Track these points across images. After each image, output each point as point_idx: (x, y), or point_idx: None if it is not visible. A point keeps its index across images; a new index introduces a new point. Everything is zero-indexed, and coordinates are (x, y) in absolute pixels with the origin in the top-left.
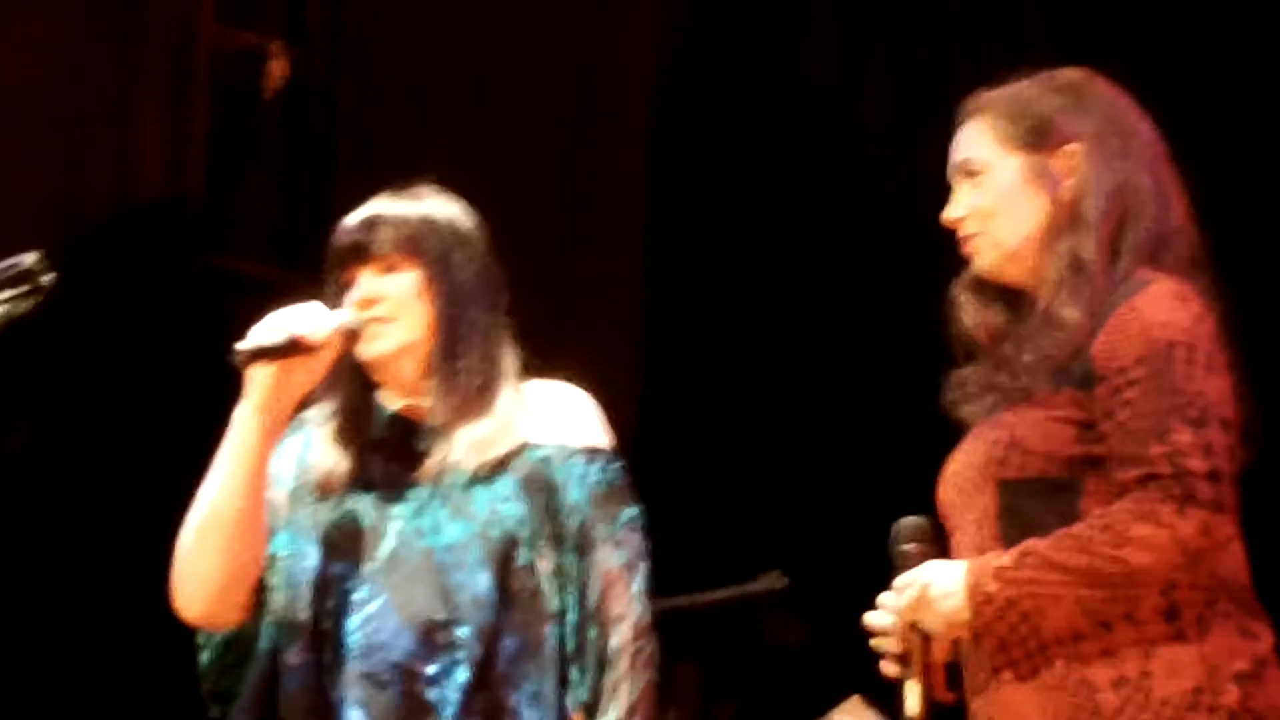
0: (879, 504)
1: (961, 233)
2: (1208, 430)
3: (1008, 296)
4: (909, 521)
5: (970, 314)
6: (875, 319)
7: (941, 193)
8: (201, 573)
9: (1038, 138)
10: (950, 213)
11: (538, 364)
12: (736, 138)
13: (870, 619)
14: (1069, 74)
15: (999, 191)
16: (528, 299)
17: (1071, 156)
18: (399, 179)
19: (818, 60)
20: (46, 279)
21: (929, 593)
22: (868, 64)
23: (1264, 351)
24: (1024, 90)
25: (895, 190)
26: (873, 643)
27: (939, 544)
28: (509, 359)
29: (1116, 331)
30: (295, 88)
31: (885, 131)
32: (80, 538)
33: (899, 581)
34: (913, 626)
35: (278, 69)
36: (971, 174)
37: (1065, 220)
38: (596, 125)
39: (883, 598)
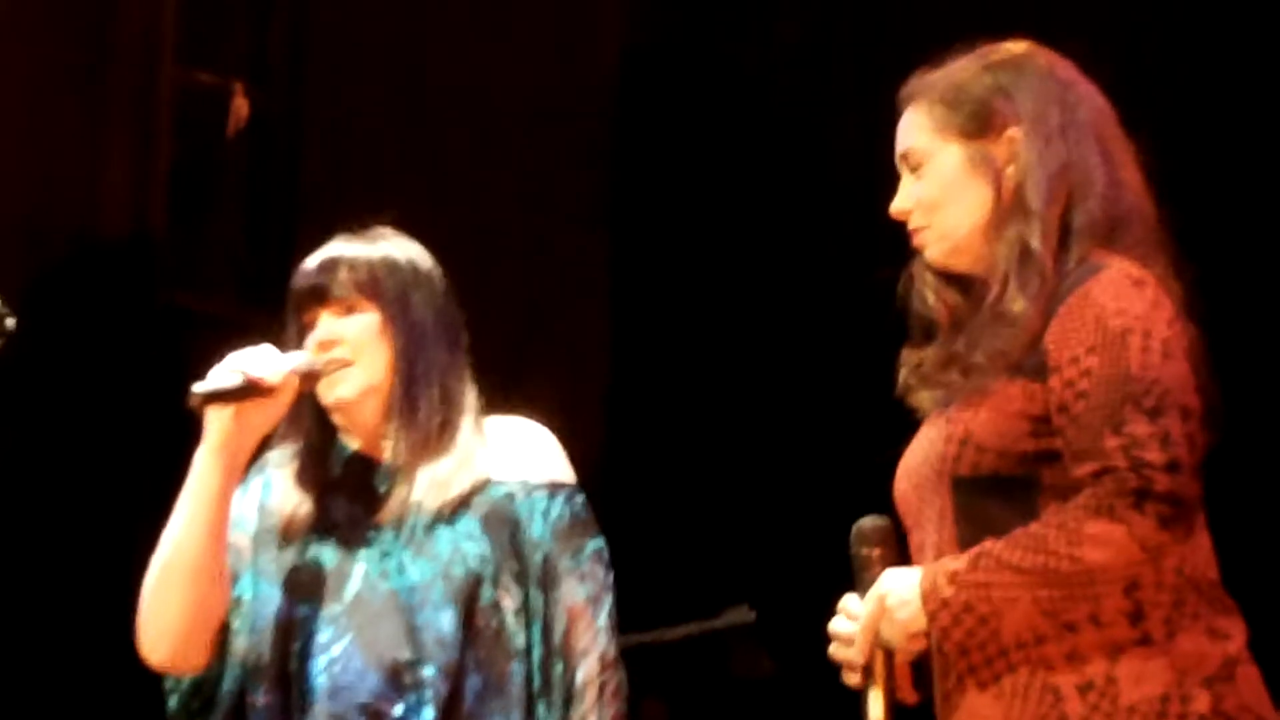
0: (844, 531)
1: (909, 225)
2: (1165, 419)
3: (962, 280)
4: (868, 522)
5: (930, 291)
6: (845, 348)
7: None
8: (166, 617)
9: (976, 124)
10: (896, 205)
11: (502, 398)
12: (702, 139)
13: (833, 626)
14: (1008, 49)
15: (941, 182)
16: (491, 332)
17: (1012, 141)
18: (363, 215)
19: (785, 59)
20: (9, 323)
21: (886, 602)
22: (834, 61)
23: (1246, 340)
24: (961, 71)
25: (865, 201)
26: (832, 651)
27: (898, 545)
28: (469, 396)
29: (1068, 320)
30: (258, 126)
31: (855, 138)
32: (40, 577)
33: (863, 588)
34: (875, 636)
35: (240, 108)
36: (913, 164)
37: (1010, 208)
38: (560, 153)
39: (844, 603)
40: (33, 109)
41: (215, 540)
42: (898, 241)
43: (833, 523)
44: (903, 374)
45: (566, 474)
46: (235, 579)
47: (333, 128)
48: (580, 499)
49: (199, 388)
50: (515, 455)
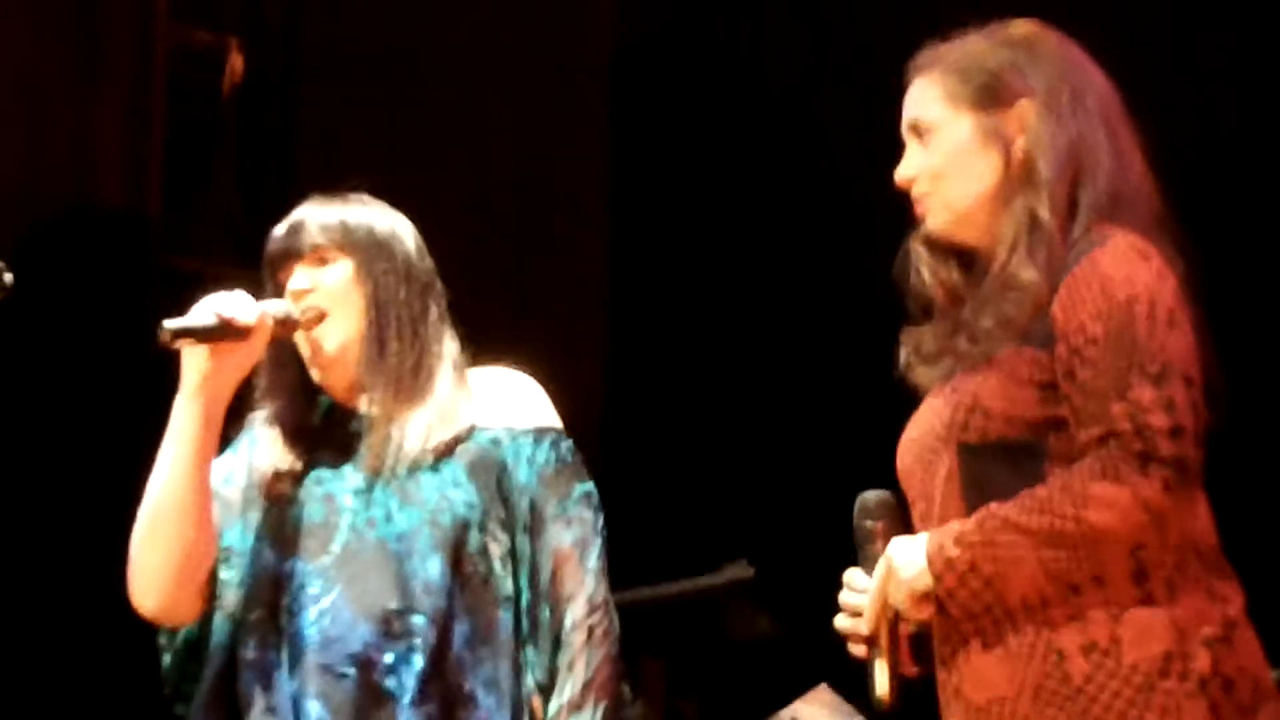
0: (845, 492)
1: (914, 192)
2: (1169, 386)
3: (963, 254)
4: (871, 496)
5: (926, 269)
6: (838, 305)
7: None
8: (153, 563)
9: (988, 95)
10: (901, 172)
11: (498, 351)
12: (697, 127)
13: (842, 599)
14: (1020, 26)
15: (949, 151)
16: (489, 289)
17: (1023, 114)
18: (360, 174)
19: (778, 46)
20: (7, 278)
21: (893, 565)
22: (827, 52)
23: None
24: (973, 45)
25: (857, 177)
26: (838, 622)
27: (902, 517)
28: (447, 345)
29: (1075, 289)
30: (254, 85)
31: (847, 121)
32: (39, 540)
33: (867, 562)
34: (883, 606)
35: (235, 66)
36: (921, 133)
37: (1019, 179)
38: (558, 116)
39: (849, 576)
40: (26, 68)
41: (198, 483)
42: (891, 219)
43: (832, 480)
44: (903, 353)
45: (552, 419)
46: (225, 533)
47: (329, 87)
48: (566, 444)
49: (169, 323)
50: (500, 402)
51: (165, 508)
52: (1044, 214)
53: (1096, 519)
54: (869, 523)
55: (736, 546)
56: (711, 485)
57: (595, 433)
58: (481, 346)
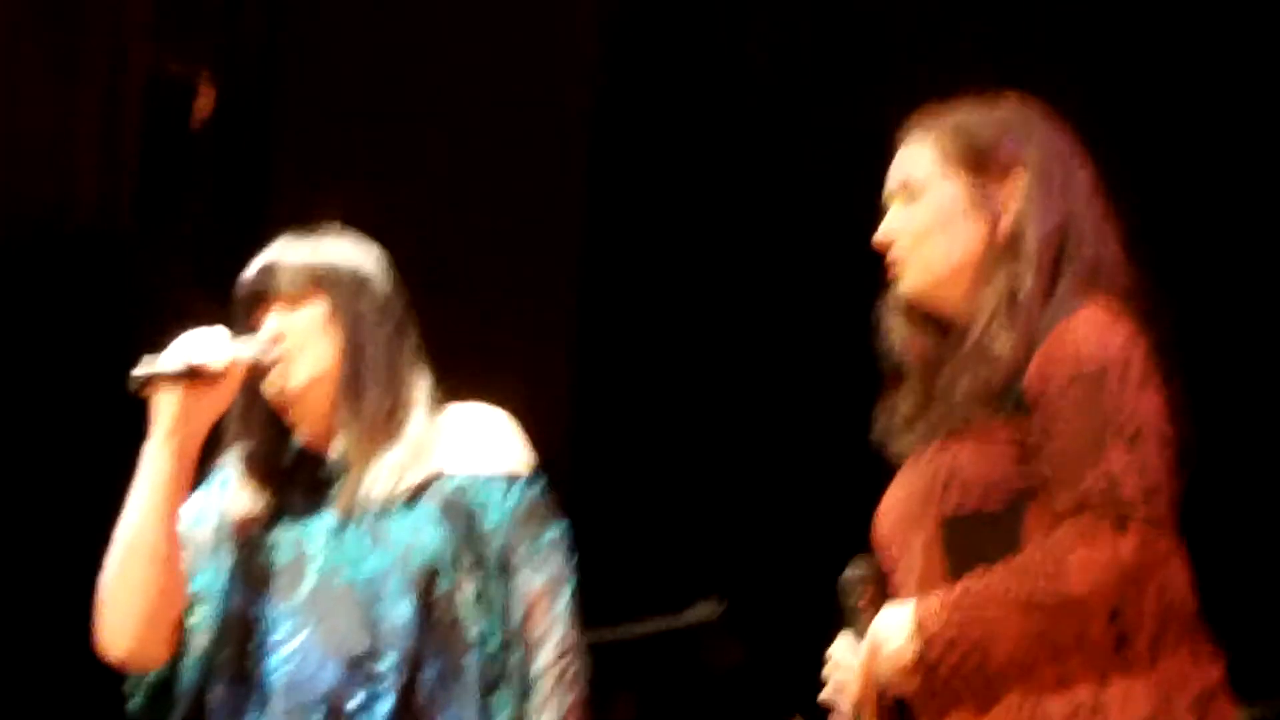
0: (816, 524)
1: (892, 254)
2: (1143, 448)
3: (935, 320)
4: (854, 573)
5: (899, 336)
6: (812, 336)
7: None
8: (121, 610)
9: (981, 162)
10: (883, 232)
11: (467, 386)
12: (675, 154)
13: (826, 673)
14: (1013, 101)
15: (937, 213)
16: (458, 320)
17: (1015, 186)
18: (334, 204)
19: (758, 70)
20: None
21: (877, 638)
22: (809, 78)
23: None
24: (968, 113)
25: (836, 208)
26: (823, 696)
27: (884, 585)
28: (420, 385)
29: (1049, 355)
30: (229, 113)
31: (828, 156)
32: (6, 572)
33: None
34: (869, 679)
35: (205, 97)
36: (910, 194)
37: (1004, 250)
38: (534, 148)
39: (834, 650)
40: (1, 97)
41: (168, 528)
42: (870, 271)
43: (803, 512)
44: (879, 424)
45: (525, 461)
46: (194, 575)
47: (304, 116)
48: (539, 486)
49: (140, 369)
50: (473, 442)
51: (135, 553)
52: (1026, 286)
53: (1075, 585)
54: (853, 600)
55: (707, 583)
56: (682, 521)
57: (563, 468)
58: (452, 380)
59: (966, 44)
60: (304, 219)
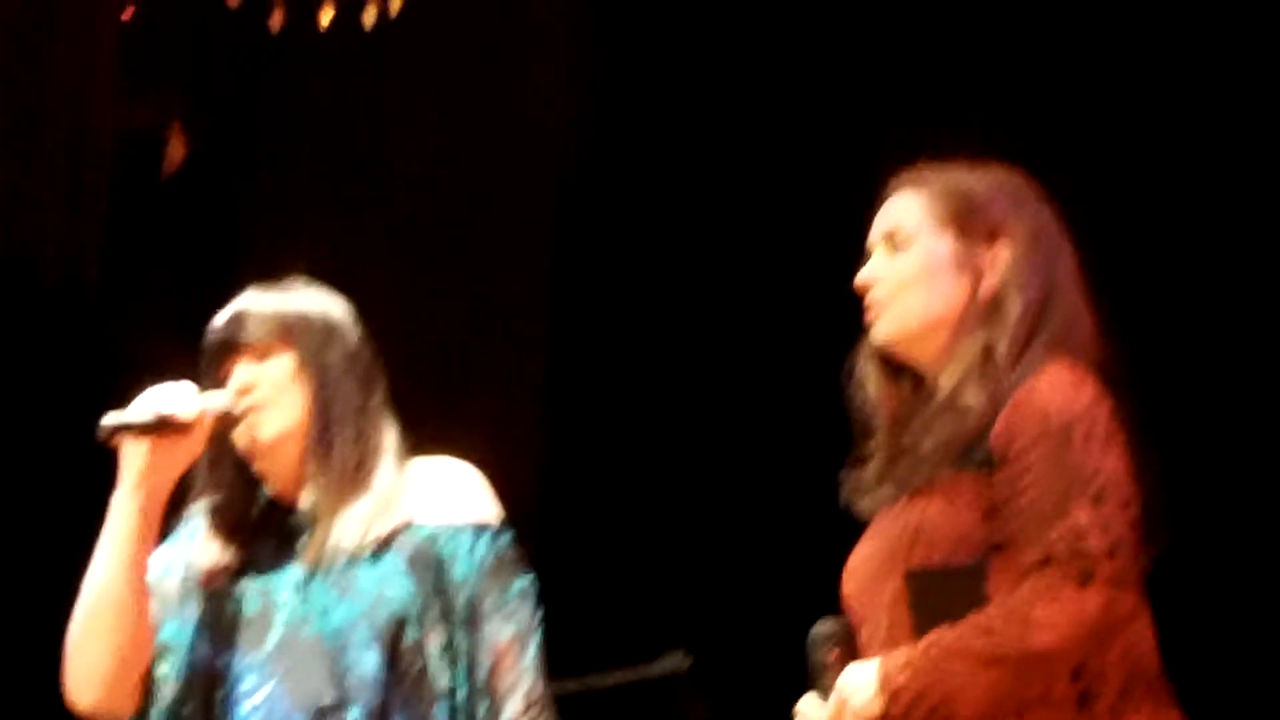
0: (785, 580)
1: (871, 297)
2: (1106, 507)
3: (905, 371)
4: (823, 628)
5: (873, 385)
6: (780, 394)
7: (848, 266)
8: (90, 660)
9: (971, 225)
10: (866, 274)
11: (435, 438)
12: (645, 209)
13: None
14: (1005, 172)
15: (923, 265)
16: (426, 372)
17: (1001, 254)
18: (302, 257)
19: (725, 135)
20: None
21: (844, 694)
22: (774, 137)
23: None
24: (961, 175)
25: (802, 272)
26: None
27: (852, 642)
28: (388, 437)
29: (1015, 414)
30: (197, 168)
31: (793, 210)
32: None
33: (823, 693)
34: None
35: (176, 149)
36: (896, 243)
37: (983, 312)
38: (502, 204)
39: (801, 706)
40: None
41: (136, 580)
42: (834, 332)
43: (771, 569)
44: (847, 482)
45: (493, 513)
46: (161, 626)
47: (274, 171)
48: (506, 538)
49: (108, 419)
50: (441, 494)
51: (103, 604)
52: (1001, 350)
53: (1039, 641)
54: (820, 655)
55: (675, 636)
56: (650, 574)
57: (530, 519)
58: (420, 433)
59: (935, 114)
60: (272, 272)
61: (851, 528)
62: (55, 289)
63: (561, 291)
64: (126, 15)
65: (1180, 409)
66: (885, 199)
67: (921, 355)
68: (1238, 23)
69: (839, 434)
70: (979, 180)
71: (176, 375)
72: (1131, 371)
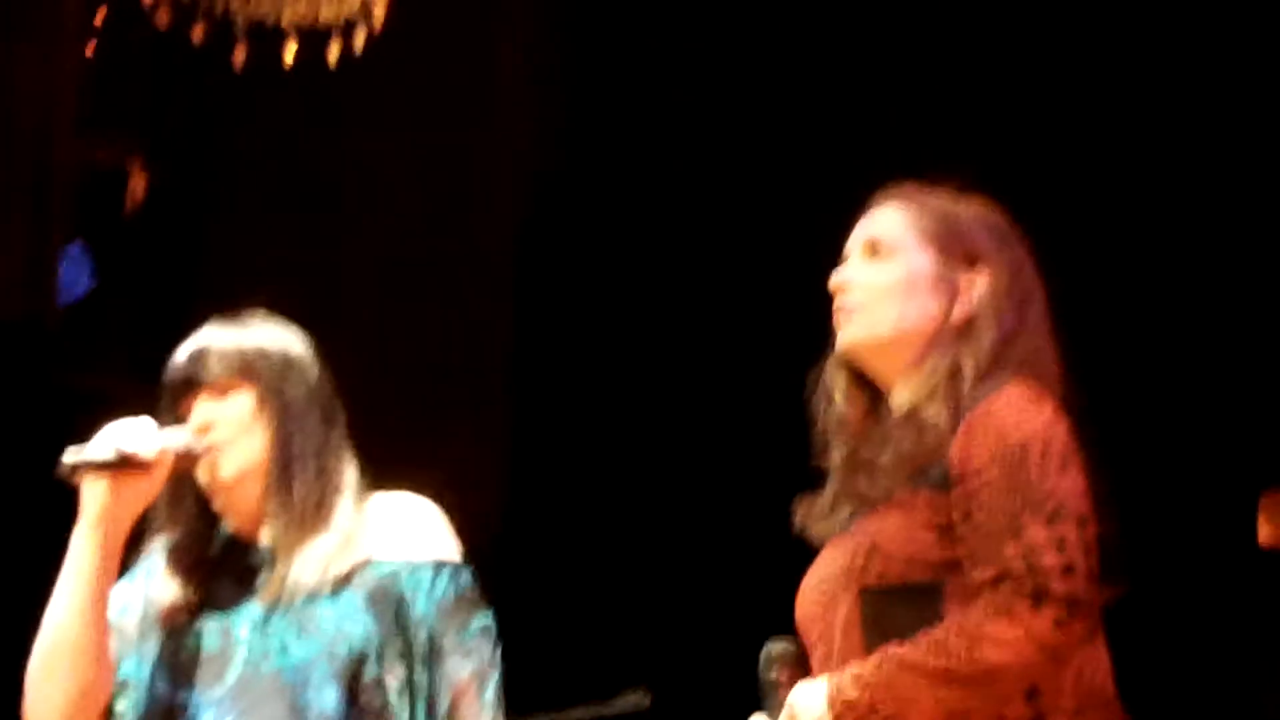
0: (743, 619)
1: (841, 300)
2: (1061, 526)
3: (867, 386)
4: (774, 647)
5: (840, 393)
6: (735, 430)
7: (814, 293)
8: (49, 696)
9: (953, 248)
10: (841, 277)
11: (397, 474)
12: (606, 250)
13: None
14: (991, 209)
15: (904, 277)
16: (388, 407)
17: (978, 282)
18: (261, 291)
19: (685, 159)
20: None
21: (794, 710)
22: (735, 160)
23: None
24: (949, 202)
25: (767, 290)
26: None
27: (805, 665)
28: (348, 474)
29: (971, 433)
30: (157, 203)
31: (756, 232)
32: None
33: (772, 711)
34: None
35: (138, 186)
36: (877, 251)
37: (953, 334)
38: (462, 239)
39: None
40: None
41: (96, 616)
42: (792, 359)
43: (730, 607)
44: (799, 515)
45: (452, 550)
46: (121, 663)
47: (232, 206)
48: (466, 575)
49: (69, 456)
50: (400, 531)
51: (63, 641)
52: (968, 372)
53: (991, 658)
54: (772, 674)
55: (635, 673)
56: (610, 611)
57: (492, 556)
58: (381, 469)
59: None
60: (232, 307)
61: (808, 562)
62: (14, 323)
63: (524, 328)
64: (89, 50)
65: (1135, 453)
66: (869, 210)
67: (884, 366)
68: (1208, 74)
69: (799, 472)
70: (965, 208)
71: (136, 410)
72: (1089, 417)
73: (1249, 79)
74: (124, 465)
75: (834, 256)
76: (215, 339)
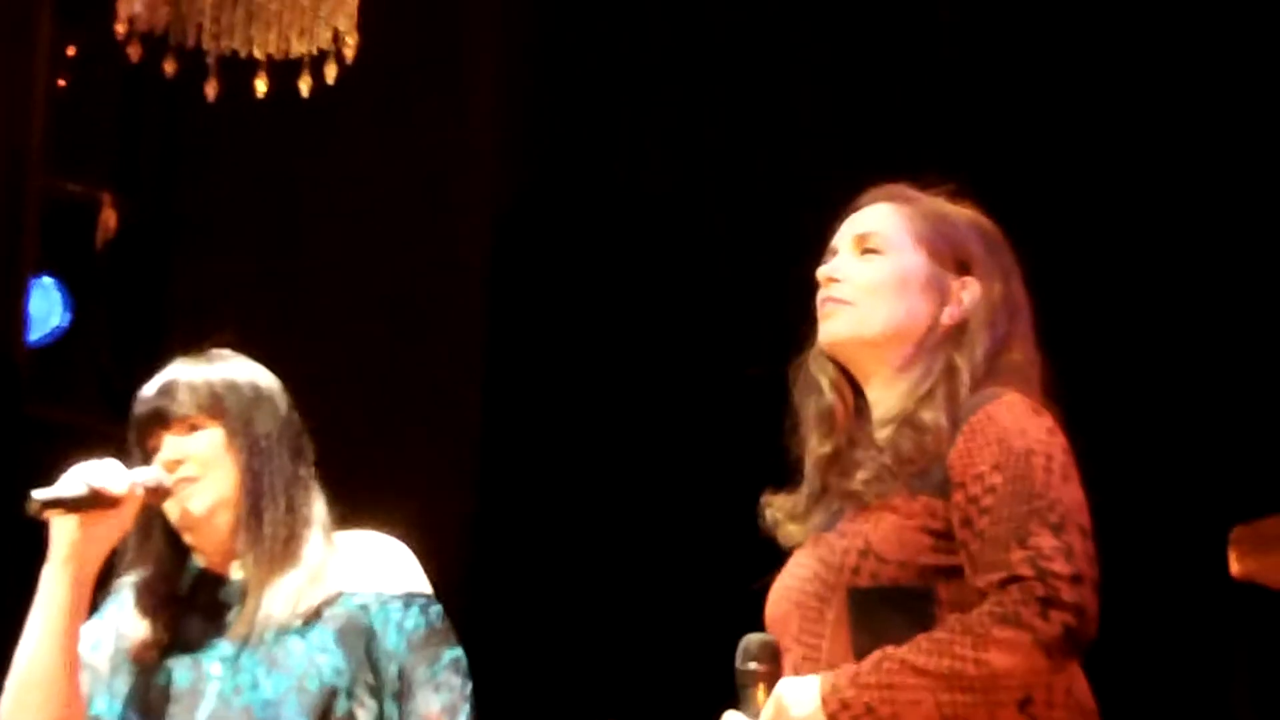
0: (714, 650)
1: (832, 292)
2: (1068, 534)
3: (848, 382)
4: (754, 638)
5: (828, 382)
6: (721, 452)
7: (787, 310)
8: None
9: (945, 252)
10: (831, 270)
11: (363, 511)
12: (578, 278)
13: None
14: (986, 220)
15: (896, 276)
16: (354, 445)
17: (968, 289)
18: (231, 327)
19: (656, 176)
20: None
21: (783, 704)
22: (707, 176)
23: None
24: (944, 207)
25: (740, 305)
26: None
27: (779, 661)
28: (317, 509)
29: (972, 439)
30: (126, 237)
31: (728, 248)
32: None
33: (747, 705)
34: None
35: (108, 219)
36: (868, 248)
37: (943, 338)
38: (433, 273)
39: (730, 717)
40: None
41: (67, 653)
42: (768, 383)
43: (704, 640)
44: (769, 513)
45: (421, 585)
46: (91, 701)
47: (202, 240)
48: (435, 609)
49: (39, 494)
50: (369, 566)
51: (34, 679)
52: (964, 376)
53: (998, 662)
54: (751, 665)
55: (605, 707)
56: (581, 646)
57: (460, 590)
58: (348, 505)
59: (871, 157)
60: (199, 342)
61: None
62: None
63: (494, 362)
64: (61, 84)
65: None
66: (858, 206)
67: (867, 364)
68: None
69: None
70: (958, 214)
71: (105, 444)
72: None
73: (1231, 95)
74: (94, 502)
75: (800, 263)
76: (184, 374)
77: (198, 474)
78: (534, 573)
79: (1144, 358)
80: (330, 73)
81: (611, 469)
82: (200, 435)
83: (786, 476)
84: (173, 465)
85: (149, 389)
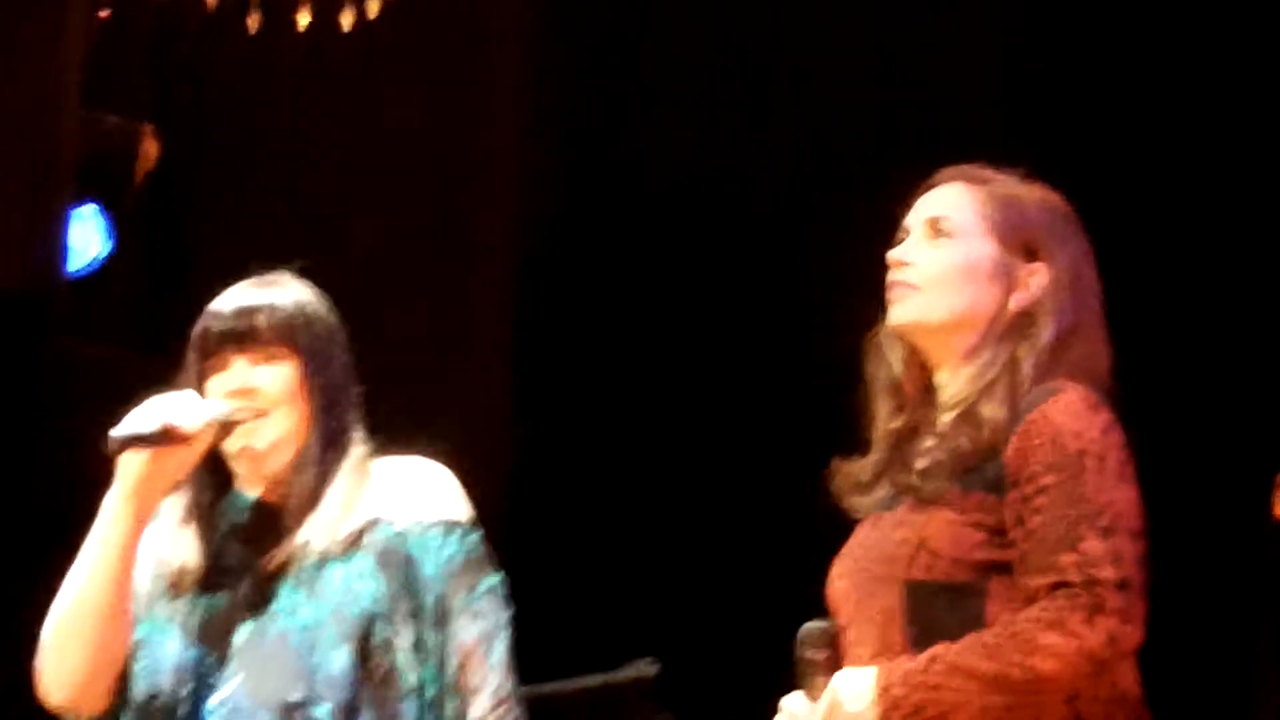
0: (757, 589)
1: (901, 275)
2: (1117, 539)
3: (917, 363)
4: (814, 626)
5: (898, 360)
6: (749, 402)
7: (816, 290)
8: (69, 661)
9: (1013, 238)
10: (901, 254)
11: (404, 439)
12: (605, 235)
13: None
14: (1059, 200)
15: (967, 263)
16: (394, 373)
17: (1038, 276)
18: (260, 264)
19: (683, 158)
20: None
21: (838, 697)
22: (733, 161)
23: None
24: (1016, 185)
25: (770, 285)
26: None
27: (839, 646)
28: (362, 438)
29: (1028, 438)
30: (160, 169)
31: (755, 230)
32: None
33: (810, 691)
34: None
35: (149, 151)
36: (940, 232)
37: (1010, 326)
38: (464, 214)
39: (788, 702)
40: None
41: (122, 586)
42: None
43: (743, 576)
44: (836, 480)
45: (462, 511)
46: (136, 626)
47: (233, 173)
48: (475, 536)
49: (117, 432)
50: (410, 493)
51: (87, 610)
52: (1027, 369)
53: (1044, 667)
54: (811, 653)
55: (642, 644)
56: (619, 581)
57: (502, 523)
58: (389, 433)
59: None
60: (231, 275)
61: (824, 537)
62: (18, 290)
63: (527, 291)
64: (103, 16)
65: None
66: (931, 186)
67: (935, 350)
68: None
69: (812, 439)
70: (1030, 195)
71: (138, 379)
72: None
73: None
74: (168, 438)
75: (835, 254)
76: (262, 298)
77: (267, 409)
78: (577, 499)
79: (1190, 302)
80: (373, 6)
81: (650, 397)
82: (276, 368)
83: (835, 442)
84: (243, 394)
85: (224, 306)
